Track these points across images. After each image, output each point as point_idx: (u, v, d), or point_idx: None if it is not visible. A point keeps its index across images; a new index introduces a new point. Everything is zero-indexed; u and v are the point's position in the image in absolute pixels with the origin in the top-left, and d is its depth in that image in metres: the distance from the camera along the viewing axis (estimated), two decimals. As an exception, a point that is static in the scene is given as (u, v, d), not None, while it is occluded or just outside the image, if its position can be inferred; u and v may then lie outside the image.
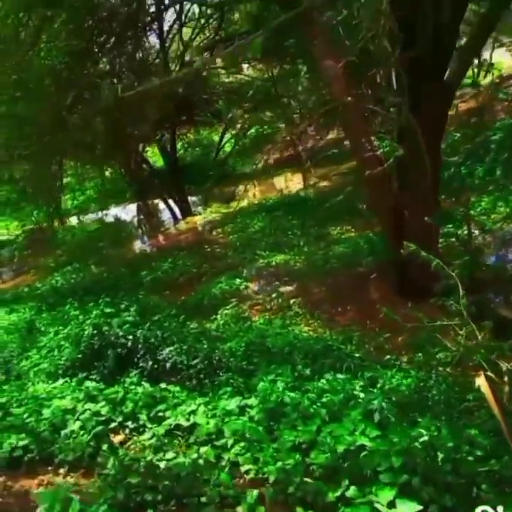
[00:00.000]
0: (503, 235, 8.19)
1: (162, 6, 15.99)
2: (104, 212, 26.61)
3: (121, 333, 5.78)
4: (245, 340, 6.79)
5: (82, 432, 3.99)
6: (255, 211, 17.52)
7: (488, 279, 6.91)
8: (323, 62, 8.26)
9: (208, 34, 19.55)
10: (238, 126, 24.18)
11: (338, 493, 2.99)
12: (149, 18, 15.42)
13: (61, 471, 3.63)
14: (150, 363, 5.77)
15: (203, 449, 3.62)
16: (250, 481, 3.35)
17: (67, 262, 17.83)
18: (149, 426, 4.40)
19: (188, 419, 4.32)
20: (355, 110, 8.15)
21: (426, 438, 3.36)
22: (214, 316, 9.31)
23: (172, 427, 4.27)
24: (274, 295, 9.71)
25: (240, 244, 14.17)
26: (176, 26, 18.90)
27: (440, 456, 3.26)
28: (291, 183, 24.99)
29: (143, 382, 5.32)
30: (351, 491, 2.98)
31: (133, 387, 5.11)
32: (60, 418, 4.13)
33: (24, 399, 4.71)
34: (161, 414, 4.60)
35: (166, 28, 18.25)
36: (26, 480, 3.49)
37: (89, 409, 4.28)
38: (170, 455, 3.59)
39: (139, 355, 5.92)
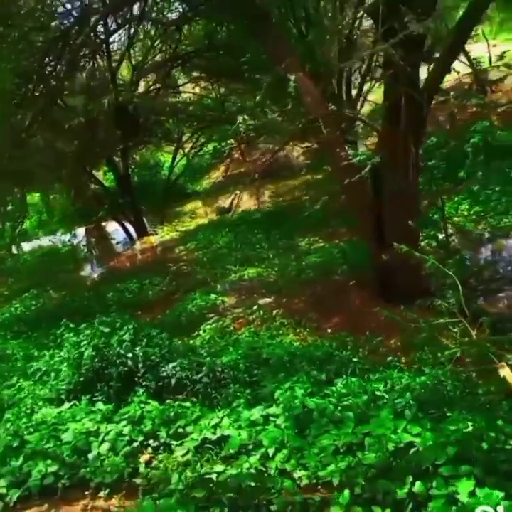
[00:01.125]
0: (477, 236, 8.58)
1: (111, 28, 15.81)
2: (50, 237, 25.68)
3: (122, 352, 5.58)
4: (241, 353, 6.72)
5: (110, 453, 3.81)
6: (215, 227, 17.49)
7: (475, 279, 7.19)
8: (297, 78, 8.46)
9: (158, 53, 19.53)
10: (188, 146, 24.20)
11: (405, 490, 2.99)
12: (98, 40, 15.23)
13: (101, 494, 3.43)
14: (154, 380, 5.59)
15: (252, 460, 3.52)
16: (305, 487, 3.29)
17: (21, 289, 17.11)
18: (174, 443, 4.24)
19: (214, 433, 4.21)
20: (330, 121, 8.39)
21: (470, 429, 3.42)
22: (196, 332, 9.20)
23: (199, 441, 4.14)
24: (254, 308, 9.69)
25: (208, 260, 14.11)
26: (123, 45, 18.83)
27: (485, 446, 3.32)
28: (242, 199, 25.14)
29: (150, 400, 5.13)
30: (417, 487, 2.99)
31: (142, 405, 4.93)
32: (83, 441, 3.92)
33: (33, 426, 4.45)
34: (181, 430, 4.45)
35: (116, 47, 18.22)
36: (68, 507, 3.28)
37: (113, 430, 4.09)
38: (219, 468, 3.47)
39: (139, 374, 5.73)
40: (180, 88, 22.43)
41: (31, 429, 4.40)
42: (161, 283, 13.72)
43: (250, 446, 3.86)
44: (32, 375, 6.27)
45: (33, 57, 12.39)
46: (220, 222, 18.22)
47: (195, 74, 21.73)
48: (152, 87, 20.21)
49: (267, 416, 4.47)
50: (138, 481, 3.56)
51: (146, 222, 21.53)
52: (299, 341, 7.87)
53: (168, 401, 5.28)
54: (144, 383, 5.59)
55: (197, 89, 24.08)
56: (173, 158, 22.27)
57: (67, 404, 4.93)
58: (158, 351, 5.87)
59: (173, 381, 5.57)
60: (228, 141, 27.62)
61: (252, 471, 3.33)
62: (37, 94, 11.13)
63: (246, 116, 23.09)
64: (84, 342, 5.81)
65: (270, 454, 3.67)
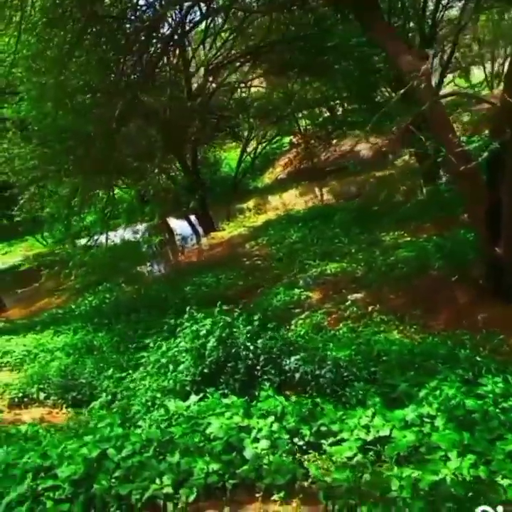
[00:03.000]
0: None
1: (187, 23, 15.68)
2: (112, 233, 25.92)
3: (247, 344, 5.31)
4: (354, 349, 6.32)
5: (270, 452, 3.50)
6: (286, 223, 17.13)
7: None
8: (401, 57, 7.99)
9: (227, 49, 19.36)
10: (253, 142, 23.96)
11: None
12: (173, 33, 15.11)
13: (275, 497, 3.12)
14: (276, 374, 5.28)
15: (452, 465, 3.13)
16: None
17: (91, 282, 17.29)
18: (323, 442, 3.90)
19: (367, 433, 3.84)
20: (439, 108, 7.88)
21: None
22: (287, 327, 8.86)
23: (360, 442, 3.78)
24: (347, 303, 9.25)
25: (284, 254, 13.75)
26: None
27: None
28: (306, 196, 24.74)
29: (276, 395, 4.81)
30: None
31: (275, 401, 4.62)
32: (235, 437, 3.63)
33: (168, 419, 4.21)
34: (324, 428, 4.09)
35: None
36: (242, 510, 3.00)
37: (265, 426, 3.78)
38: (408, 471, 3.10)
39: (258, 367, 5.44)
40: (249, 83, 22.15)
41: (167, 423, 4.16)
42: (236, 277, 13.49)
43: (422, 449, 3.47)
44: (146, 367, 6.09)
45: (118, 48, 12.41)
46: (289, 217, 17.83)
47: (261, 69, 21.49)
48: (222, 82, 20.04)
49: (421, 416, 4.06)
50: (303, 483, 3.23)
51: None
52: (405, 338, 7.40)
53: (293, 396, 4.97)
54: (266, 377, 5.29)
55: (263, 84, 23.93)
56: (241, 154, 22.06)
57: (194, 397, 4.67)
58: (278, 344, 5.56)
59: (296, 376, 5.24)
60: (291, 137, 27.38)
61: (452, 477, 2.94)
62: (124, 85, 11.07)
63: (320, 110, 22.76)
64: (203, 332, 5.56)
65: (451, 458, 3.27)
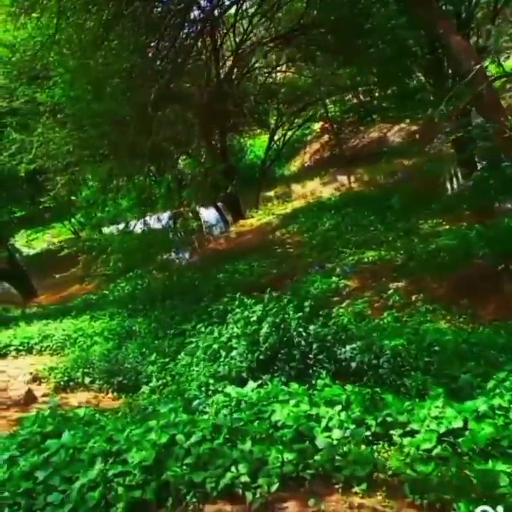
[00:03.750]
0: None
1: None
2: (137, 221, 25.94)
3: (301, 331, 5.19)
4: (405, 339, 6.14)
5: (345, 441, 3.38)
6: (317, 210, 16.90)
7: None
8: (452, 38, 7.70)
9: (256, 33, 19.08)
10: (281, 130, 23.62)
11: None
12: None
13: (356, 489, 3.00)
14: (331, 362, 5.15)
15: None
16: None
17: (120, 269, 17.32)
18: (392, 432, 3.76)
19: (439, 424, 3.68)
20: (491, 91, 7.60)
21: None
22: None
23: (436, 433, 3.63)
24: (389, 292, 9.06)
25: (317, 242, 13.56)
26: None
27: None
28: (334, 183, 24.43)
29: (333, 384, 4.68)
30: None
31: (329, 389, 4.48)
32: (305, 426, 3.51)
33: (229, 406, 4.11)
34: (390, 419, 3.95)
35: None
36: (324, 502, 2.88)
37: (335, 416, 3.66)
38: (501, 466, 2.95)
39: (310, 355, 5.31)
40: (278, 68, 21.82)
41: (229, 409, 4.07)
42: (269, 265, 13.37)
43: (504, 442, 3.31)
44: (194, 353, 6.01)
45: (151, 31, 12.27)
46: (320, 204, 17.60)
47: (290, 54, 21.11)
48: (251, 67, 19.76)
49: (493, 408, 3.89)
50: (381, 475, 3.10)
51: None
52: (455, 328, 7.20)
53: (348, 385, 4.82)
54: (320, 365, 5.16)
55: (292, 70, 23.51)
56: (270, 141, 21.80)
57: (252, 383, 4.56)
58: (331, 332, 5.42)
59: (352, 365, 5.10)
60: (319, 124, 26.99)
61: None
62: (158, 69, 10.94)
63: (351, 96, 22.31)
64: (254, 318, 5.45)
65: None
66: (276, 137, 23.23)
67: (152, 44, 12.52)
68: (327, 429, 3.56)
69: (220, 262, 14.82)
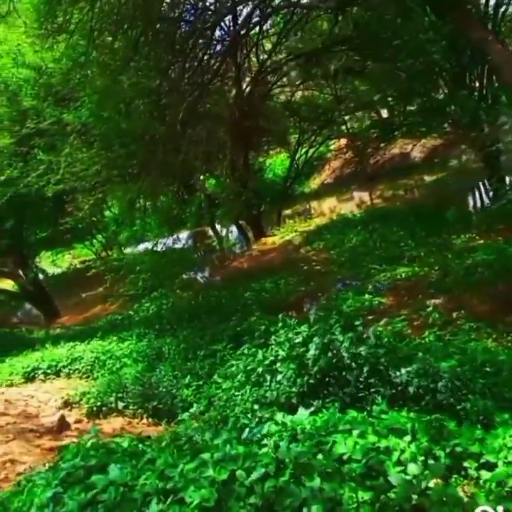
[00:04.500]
0: None
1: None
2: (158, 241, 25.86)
3: (355, 352, 4.90)
4: (457, 360, 5.78)
5: (423, 477, 3.07)
6: (342, 226, 16.65)
7: None
8: (495, 50, 7.48)
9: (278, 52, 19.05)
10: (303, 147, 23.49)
11: None
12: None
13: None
14: (386, 386, 4.84)
15: None
16: None
17: (145, 288, 17.19)
18: (469, 466, 3.44)
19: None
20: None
21: None
22: (364, 335, 8.38)
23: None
24: (428, 309, 8.70)
25: (345, 259, 13.27)
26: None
27: None
28: (355, 200, 24.23)
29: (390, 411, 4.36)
30: None
31: (386, 417, 4.17)
32: (375, 460, 3.21)
33: (284, 436, 3.81)
34: (459, 449, 3.63)
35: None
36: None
37: (408, 448, 3.35)
38: None
39: (361, 378, 5.00)
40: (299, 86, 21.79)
41: (284, 440, 3.77)
42: (296, 283, 13.10)
43: None
44: (234, 377, 5.73)
45: (176, 51, 12.25)
46: (345, 221, 17.35)
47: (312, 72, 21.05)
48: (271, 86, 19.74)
49: None
50: None
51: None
52: (504, 348, 6.82)
53: (403, 412, 4.50)
54: (374, 390, 4.84)
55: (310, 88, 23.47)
56: (292, 159, 21.66)
57: (303, 410, 4.27)
58: (382, 353, 5.12)
59: (410, 389, 4.77)
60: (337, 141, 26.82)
61: None
62: (186, 88, 10.88)
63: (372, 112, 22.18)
64: (299, 339, 5.17)
65: None
66: (288, 154, 23.18)
67: (178, 64, 12.50)
68: (399, 463, 3.24)
69: (245, 281, 14.60)
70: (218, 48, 13.49)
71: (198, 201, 11.13)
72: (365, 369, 5.00)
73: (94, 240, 28.18)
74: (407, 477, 3.17)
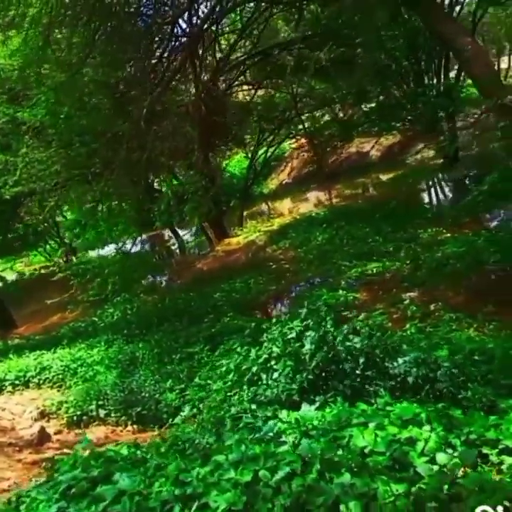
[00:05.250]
0: None
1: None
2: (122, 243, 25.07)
3: (351, 345, 4.79)
4: (448, 350, 5.80)
5: (451, 465, 2.98)
6: (307, 225, 16.66)
7: None
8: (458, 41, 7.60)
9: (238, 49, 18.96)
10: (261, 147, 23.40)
11: None
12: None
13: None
14: (383, 378, 4.76)
15: None
16: None
17: (106, 293, 16.65)
18: (486, 452, 3.38)
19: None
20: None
21: None
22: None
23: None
24: (406, 302, 8.77)
25: (313, 256, 13.25)
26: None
27: None
28: (315, 199, 24.37)
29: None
30: None
31: (391, 408, 4.09)
32: (399, 452, 3.10)
33: (300, 433, 3.65)
34: (473, 436, 3.57)
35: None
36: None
37: (432, 438, 3.26)
38: None
39: (357, 371, 4.90)
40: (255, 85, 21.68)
41: (295, 437, 3.61)
42: (266, 282, 12.98)
43: None
44: (225, 376, 5.52)
45: (134, 47, 11.91)
46: (309, 219, 17.37)
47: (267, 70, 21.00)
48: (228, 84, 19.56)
49: None
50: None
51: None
52: (487, 336, 6.91)
53: (404, 402, 4.43)
54: (373, 382, 4.76)
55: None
56: (252, 159, 21.54)
57: (307, 406, 4.14)
58: (378, 345, 5.05)
59: (409, 380, 4.72)
60: (295, 141, 26.89)
61: None
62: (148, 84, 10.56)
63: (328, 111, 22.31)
64: (292, 335, 5.03)
65: None
66: (245, 154, 23.12)
67: (137, 59, 12.16)
68: (423, 453, 3.14)
69: (212, 282, 14.37)
70: (177, 44, 13.16)
71: (166, 199, 10.81)
72: (361, 361, 4.90)
73: (48, 246, 27.23)
74: (435, 467, 3.08)
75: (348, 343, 4.84)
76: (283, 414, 4.15)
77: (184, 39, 12.85)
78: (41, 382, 8.37)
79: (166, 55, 12.35)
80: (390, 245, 12.06)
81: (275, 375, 4.84)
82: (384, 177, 22.56)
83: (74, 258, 26.48)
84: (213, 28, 15.56)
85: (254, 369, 4.93)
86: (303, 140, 25.96)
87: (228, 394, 5.18)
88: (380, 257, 11.62)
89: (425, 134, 18.57)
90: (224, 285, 13.17)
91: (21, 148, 11.01)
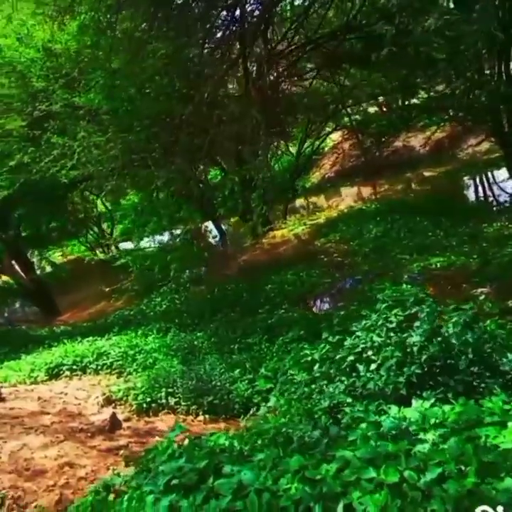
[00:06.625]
0: None
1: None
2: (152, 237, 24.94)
3: (466, 338, 4.39)
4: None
5: None
6: (358, 218, 16.19)
7: None
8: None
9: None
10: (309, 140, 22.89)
11: None
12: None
13: None
14: (494, 375, 4.34)
15: None
16: None
17: (150, 284, 16.55)
18: None
19: None
20: None
21: None
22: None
23: None
24: (481, 298, 8.26)
25: (369, 250, 12.79)
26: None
27: None
28: (360, 194, 23.80)
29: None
30: None
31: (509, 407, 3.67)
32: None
33: (419, 430, 3.28)
34: None
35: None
36: None
37: None
38: None
39: (461, 367, 4.49)
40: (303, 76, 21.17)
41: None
42: (319, 275, 12.59)
43: None
44: (304, 367, 5.18)
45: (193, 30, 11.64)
46: (359, 212, 16.90)
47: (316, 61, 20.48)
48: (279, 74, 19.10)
49: None
50: None
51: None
52: None
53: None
54: (482, 378, 4.35)
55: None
56: (299, 151, 21.10)
57: (417, 402, 3.76)
58: (488, 340, 4.63)
59: (525, 377, 4.29)
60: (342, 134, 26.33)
61: None
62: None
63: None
64: (392, 325, 4.65)
65: None
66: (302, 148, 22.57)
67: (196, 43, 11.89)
68: None
69: (261, 274, 14.06)
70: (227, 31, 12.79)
71: (230, 185, 10.46)
72: (470, 356, 4.49)
73: (89, 236, 27.37)
74: None
75: (463, 337, 4.42)
76: (393, 409, 3.78)
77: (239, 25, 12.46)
78: (99, 368, 8.20)
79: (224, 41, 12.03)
80: (452, 239, 11.52)
81: (372, 366, 4.47)
82: (433, 172, 21.86)
83: (114, 249, 26.68)
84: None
85: (350, 359, 4.56)
86: (347, 134, 25.42)
87: (313, 386, 4.83)
88: (442, 251, 11.10)
89: (478, 127, 17.79)
90: (274, 277, 12.84)
91: (78, 132, 10.85)
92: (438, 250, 11.19)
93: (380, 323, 4.81)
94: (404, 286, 9.85)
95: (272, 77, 18.46)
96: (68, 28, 12.00)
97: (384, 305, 5.09)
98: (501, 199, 15.60)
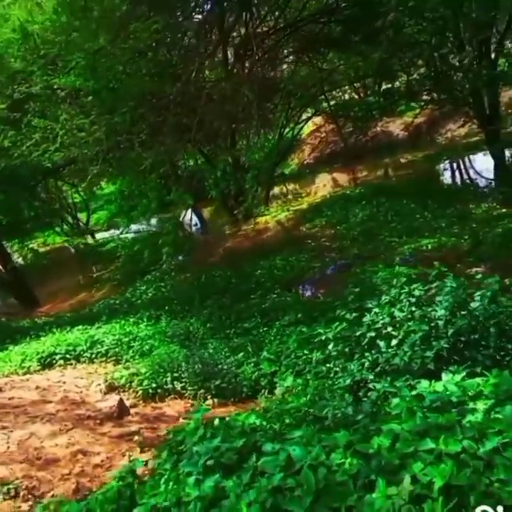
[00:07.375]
0: None
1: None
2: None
3: (490, 310, 4.34)
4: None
5: None
6: (343, 202, 16.15)
7: None
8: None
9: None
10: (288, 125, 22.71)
11: None
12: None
13: None
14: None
15: None
16: None
17: (130, 272, 16.28)
18: None
19: None
20: None
21: None
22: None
23: None
24: (478, 277, 8.28)
25: (358, 233, 12.76)
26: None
27: None
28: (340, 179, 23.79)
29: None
30: None
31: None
32: None
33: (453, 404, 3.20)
34: None
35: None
36: None
37: None
38: None
39: (490, 341, 4.44)
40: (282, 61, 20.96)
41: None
42: (308, 260, 12.52)
43: None
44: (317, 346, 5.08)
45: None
46: (344, 197, 16.87)
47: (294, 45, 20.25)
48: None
49: None
50: None
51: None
52: None
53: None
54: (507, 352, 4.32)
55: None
56: (279, 137, 20.89)
57: (447, 376, 3.69)
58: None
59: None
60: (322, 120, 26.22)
61: None
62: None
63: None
64: (413, 300, 4.57)
65: None
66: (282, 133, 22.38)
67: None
68: None
69: (247, 260, 13.92)
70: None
71: (222, 165, 10.21)
72: (495, 330, 4.45)
73: (65, 226, 26.78)
74: None
75: (490, 310, 4.36)
76: (423, 383, 3.70)
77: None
78: (93, 356, 7.98)
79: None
80: (441, 221, 11.58)
81: (393, 342, 4.39)
82: (413, 157, 22.00)
83: (90, 238, 26.13)
84: None
85: (370, 335, 4.47)
86: (325, 119, 25.34)
87: (329, 365, 4.74)
88: (432, 233, 11.15)
89: (457, 111, 17.91)
90: (263, 262, 12.72)
91: (60, 115, 10.45)
92: (427, 232, 11.24)
93: (402, 297, 4.72)
94: (396, 267, 9.92)
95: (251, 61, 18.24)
96: (46, 7, 11.55)
97: (404, 279, 4.99)
98: (483, 181, 15.79)
